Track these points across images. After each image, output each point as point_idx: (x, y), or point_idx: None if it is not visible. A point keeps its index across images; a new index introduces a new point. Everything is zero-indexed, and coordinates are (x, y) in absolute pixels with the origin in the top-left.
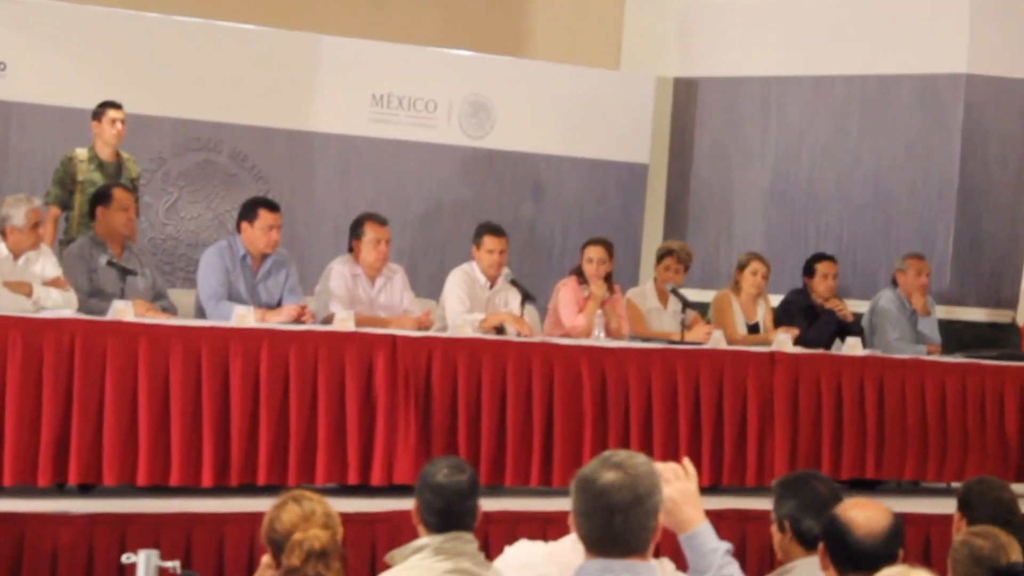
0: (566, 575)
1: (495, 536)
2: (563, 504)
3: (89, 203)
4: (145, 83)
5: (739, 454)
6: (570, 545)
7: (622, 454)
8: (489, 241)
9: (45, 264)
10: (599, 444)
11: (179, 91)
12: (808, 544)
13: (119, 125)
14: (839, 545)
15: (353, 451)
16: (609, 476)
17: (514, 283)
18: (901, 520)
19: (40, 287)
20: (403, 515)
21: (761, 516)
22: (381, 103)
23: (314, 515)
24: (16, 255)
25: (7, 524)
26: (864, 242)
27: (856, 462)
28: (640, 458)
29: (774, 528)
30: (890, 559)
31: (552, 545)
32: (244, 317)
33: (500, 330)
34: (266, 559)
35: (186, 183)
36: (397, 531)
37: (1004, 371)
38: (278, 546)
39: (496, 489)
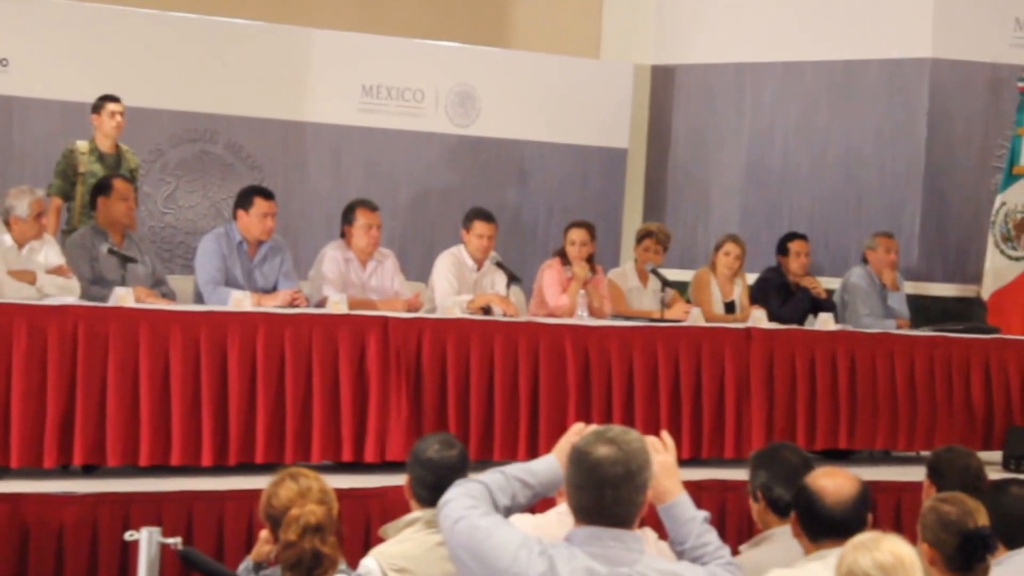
0: None
1: None
2: None
3: (90, 193)
4: (143, 77)
5: (718, 426)
6: (556, 517)
7: (616, 429)
8: (479, 226)
9: (48, 253)
10: (583, 419)
11: (176, 84)
12: (781, 512)
13: (118, 118)
14: (809, 513)
15: (347, 429)
16: (603, 451)
17: (500, 265)
18: (869, 487)
19: (44, 275)
20: (396, 490)
21: (740, 486)
22: (371, 93)
23: (310, 491)
24: (20, 245)
25: (14, 504)
26: (835, 221)
27: (830, 433)
28: (633, 434)
29: (751, 499)
30: (859, 525)
31: (539, 517)
32: (241, 302)
33: (487, 311)
34: (264, 534)
35: (183, 173)
36: (390, 506)
37: (970, 343)
38: (276, 521)
39: (485, 463)
